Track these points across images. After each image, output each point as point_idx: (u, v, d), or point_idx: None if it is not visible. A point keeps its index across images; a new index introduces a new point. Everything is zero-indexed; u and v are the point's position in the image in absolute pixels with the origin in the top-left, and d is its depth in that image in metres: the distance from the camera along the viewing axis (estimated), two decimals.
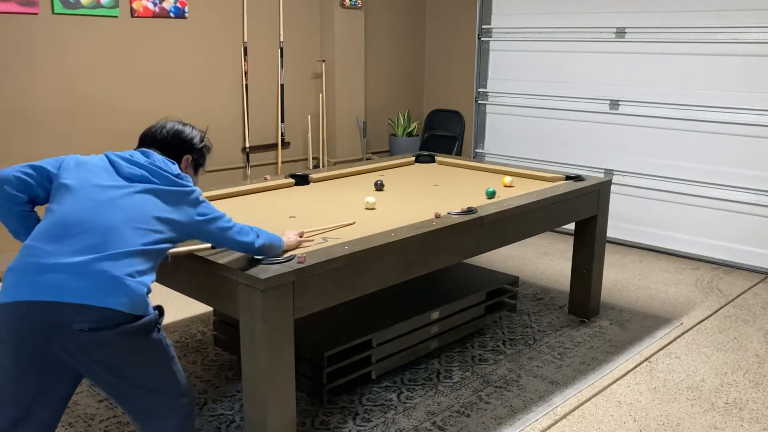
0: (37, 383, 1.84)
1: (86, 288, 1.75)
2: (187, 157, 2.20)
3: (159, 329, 1.91)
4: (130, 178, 1.96)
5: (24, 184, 1.96)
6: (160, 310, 1.94)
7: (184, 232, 2.03)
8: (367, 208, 3.10)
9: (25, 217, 2.01)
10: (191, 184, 2.08)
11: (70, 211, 1.87)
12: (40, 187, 1.98)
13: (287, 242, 2.39)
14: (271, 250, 2.28)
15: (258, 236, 2.22)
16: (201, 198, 2.07)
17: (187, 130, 2.23)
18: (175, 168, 2.07)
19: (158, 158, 2.06)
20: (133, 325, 1.82)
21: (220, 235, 2.12)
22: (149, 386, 1.92)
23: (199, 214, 2.04)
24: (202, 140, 2.25)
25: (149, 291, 1.89)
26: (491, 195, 3.25)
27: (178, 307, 3.82)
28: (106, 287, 1.77)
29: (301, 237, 2.49)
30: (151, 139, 2.17)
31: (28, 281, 1.77)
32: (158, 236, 1.93)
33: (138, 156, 2.04)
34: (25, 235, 1.96)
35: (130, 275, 1.82)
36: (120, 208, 1.89)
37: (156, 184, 1.98)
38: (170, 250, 2.14)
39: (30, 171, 1.97)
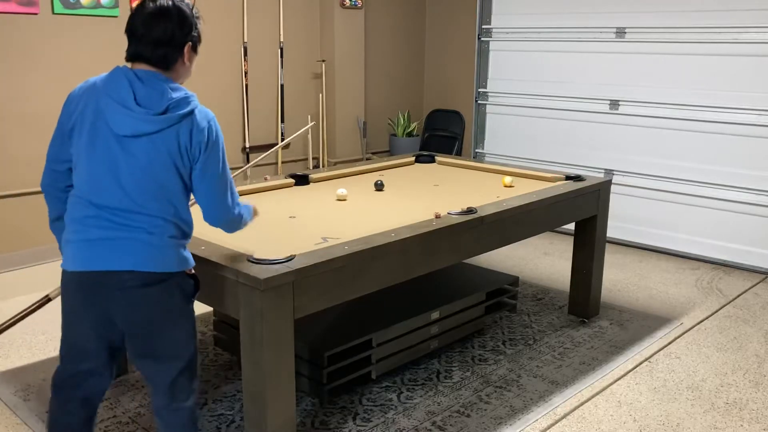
0: (107, 338, 2.05)
1: (134, 255, 1.92)
2: (189, 45, 1.99)
3: (193, 301, 2.09)
4: (135, 135, 1.90)
5: (62, 173, 2.06)
6: (196, 282, 2.08)
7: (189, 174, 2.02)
8: (338, 199, 3.24)
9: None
10: (194, 99, 1.97)
11: (93, 185, 1.94)
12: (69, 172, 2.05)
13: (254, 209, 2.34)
14: (246, 222, 2.25)
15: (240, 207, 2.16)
16: (214, 128, 1.99)
17: (175, 23, 1.94)
18: (174, 93, 1.92)
19: (147, 92, 1.91)
20: (179, 282, 2.01)
21: (218, 187, 2.04)
22: (176, 354, 2.06)
23: (211, 150, 1.98)
24: (194, 16, 2.01)
25: (185, 247, 2.04)
26: None
27: None
28: (151, 253, 1.93)
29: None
30: (147, 56, 1.94)
31: (88, 252, 1.93)
32: (179, 194, 1.98)
33: (125, 97, 1.89)
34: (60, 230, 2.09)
35: (166, 237, 1.95)
36: (132, 182, 1.91)
37: (157, 132, 1.90)
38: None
39: (56, 157, 2.04)
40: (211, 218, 2.11)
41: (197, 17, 2.02)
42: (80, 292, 1.99)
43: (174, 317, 2.04)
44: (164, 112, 1.90)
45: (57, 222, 2.12)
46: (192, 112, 1.95)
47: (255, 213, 2.36)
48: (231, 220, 2.14)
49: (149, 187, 1.92)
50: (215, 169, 2.01)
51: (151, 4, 1.95)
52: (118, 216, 1.92)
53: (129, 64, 1.98)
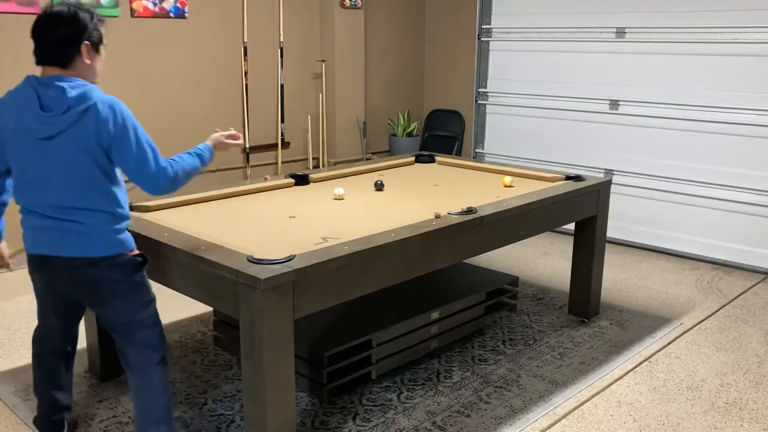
0: (64, 305, 2.40)
1: (68, 243, 2.18)
2: (86, 45, 2.19)
3: (142, 275, 2.31)
4: (49, 137, 2.12)
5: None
6: (143, 257, 2.31)
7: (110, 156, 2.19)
8: (335, 199, 3.23)
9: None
10: (93, 93, 2.13)
11: (28, 186, 2.20)
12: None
13: (214, 144, 2.48)
14: (194, 170, 2.36)
15: (170, 167, 2.25)
16: (114, 105, 2.14)
17: (68, 24, 2.15)
18: (72, 92, 2.10)
19: (53, 96, 2.10)
20: (116, 263, 2.23)
21: (139, 150, 2.19)
22: (130, 318, 2.32)
23: (119, 127, 2.14)
24: (92, 18, 2.21)
25: (121, 231, 2.25)
26: None
27: (178, 307, 3.82)
28: (80, 242, 2.18)
29: (232, 138, 2.54)
30: (46, 57, 2.16)
31: (34, 239, 2.25)
32: (102, 183, 2.18)
33: (36, 107, 2.11)
34: None
35: (96, 225, 2.18)
36: (58, 179, 2.14)
37: (65, 130, 2.10)
38: None
39: None
40: (147, 189, 2.25)
41: (100, 20, 2.25)
42: (36, 271, 2.34)
43: (119, 291, 2.28)
44: (67, 111, 2.10)
45: None
46: (93, 105, 2.11)
47: (220, 147, 2.50)
48: (167, 183, 2.25)
49: (74, 183, 2.14)
50: (129, 149, 2.17)
51: (48, 11, 2.18)
52: (52, 210, 2.18)
53: (41, 69, 2.18)
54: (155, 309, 2.40)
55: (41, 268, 2.30)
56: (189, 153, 2.37)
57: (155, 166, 2.21)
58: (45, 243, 2.22)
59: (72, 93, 2.11)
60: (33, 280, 2.38)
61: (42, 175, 2.16)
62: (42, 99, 2.12)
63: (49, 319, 2.46)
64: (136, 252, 2.31)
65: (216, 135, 2.52)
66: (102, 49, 2.26)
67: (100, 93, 2.16)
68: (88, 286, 2.27)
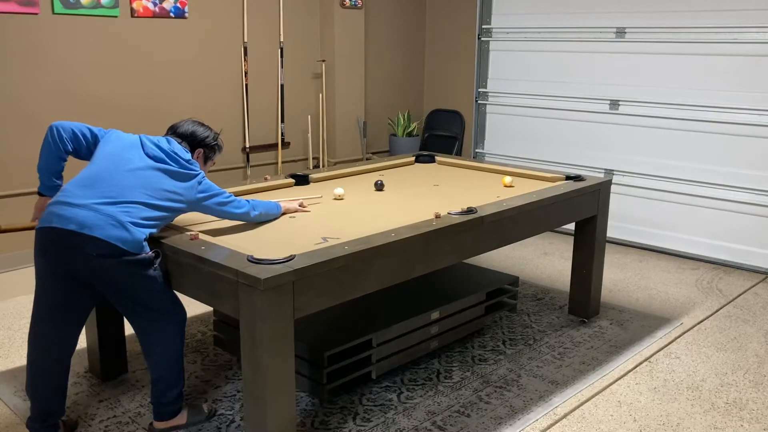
0: (60, 293, 2.42)
1: (96, 224, 2.29)
2: (199, 151, 2.73)
3: (155, 268, 2.43)
4: (152, 157, 2.49)
5: (76, 140, 2.54)
6: (157, 253, 2.45)
7: (187, 204, 2.51)
8: (335, 199, 3.25)
9: (57, 161, 2.55)
10: (197, 168, 2.58)
11: (101, 170, 2.43)
12: (87, 148, 2.56)
13: (285, 206, 2.95)
14: (269, 217, 2.85)
15: (254, 208, 2.75)
16: (203, 179, 2.57)
17: (200, 130, 2.74)
18: (187, 155, 2.59)
19: (177, 146, 2.58)
20: (132, 259, 2.34)
21: (219, 209, 2.62)
22: (147, 306, 2.46)
23: (200, 191, 2.54)
24: (214, 140, 2.78)
25: (146, 238, 2.40)
26: None
27: None
28: (110, 226, 2.30)
29: (300, 205, 3.02)
30: (173, 131, 2.71)
31: (58, 213, 2.33)
32: (162, 203, 2.43)
33: (163, 142, 2.57)
34: (45, 174, 2.55)
35: (132, 223, 2.34)
36: (138, 177, 2.42)
37: (170, 165, 2.49)
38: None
39: (87, 133, 2.55)
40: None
41: (217, 144, 2.80)
42: (42, 249, 2.42)
43: (137, 283, 2.44)
44: None
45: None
46: (189, 160, 2.58)
47: (288, 210, 3.01)
48: (249, 219, 2.78)
49: (146, 185, 2.48)
50: (207, 196, 2.61)
51: (187, 123, 2.76)
52: (102, 192, 2.42)
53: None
54: (170, 295, 2.55)
55: (59, 245, 2.38)
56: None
57: None
58: (76, 218, 2.37)
59: None
60: (42, 262, 2.44)
61: None
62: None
63: (47, 312, 2.46)
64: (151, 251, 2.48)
65: (293, 204, 2.99)
66: (209, 164, 2.85)
67: None
68: (111, 280, 2.42)
